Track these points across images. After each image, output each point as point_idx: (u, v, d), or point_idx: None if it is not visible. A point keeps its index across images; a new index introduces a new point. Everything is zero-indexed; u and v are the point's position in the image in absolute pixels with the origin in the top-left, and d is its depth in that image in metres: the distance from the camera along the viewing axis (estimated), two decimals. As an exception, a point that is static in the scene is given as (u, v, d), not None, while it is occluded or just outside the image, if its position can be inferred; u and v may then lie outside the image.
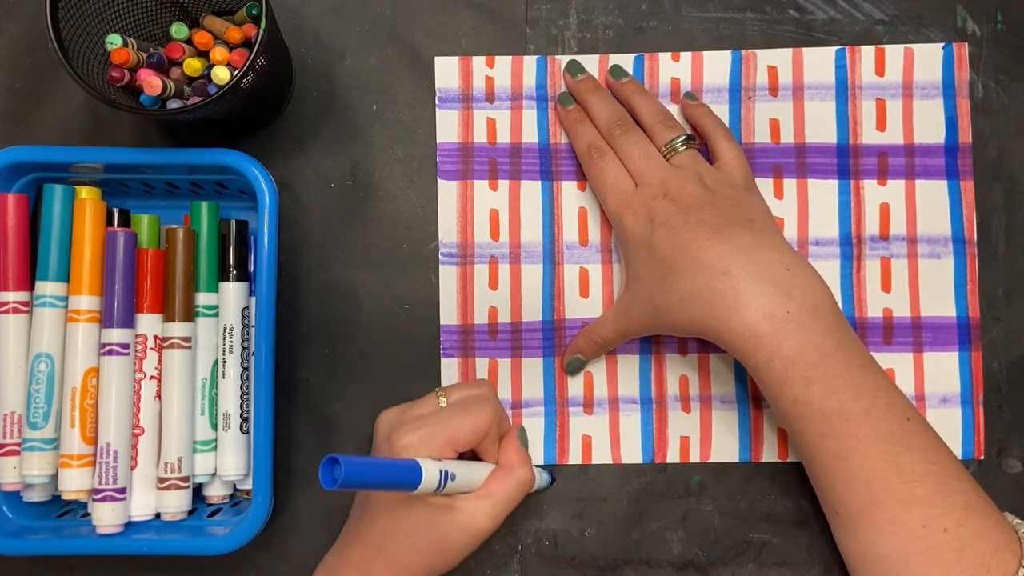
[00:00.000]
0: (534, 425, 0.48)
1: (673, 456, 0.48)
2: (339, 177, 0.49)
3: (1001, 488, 0.48)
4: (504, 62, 0.49)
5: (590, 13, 0.49)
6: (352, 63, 0.49)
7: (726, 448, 0.48)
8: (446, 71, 0.49)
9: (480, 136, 0.49)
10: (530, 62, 0.49)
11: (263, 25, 0.40)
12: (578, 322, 0.48)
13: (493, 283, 0.48)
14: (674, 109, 0.49)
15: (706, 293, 0.40)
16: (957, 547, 0.38)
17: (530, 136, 0.49)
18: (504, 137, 0.49)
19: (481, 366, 0.48)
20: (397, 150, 0.49)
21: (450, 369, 0.48)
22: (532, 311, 0.48)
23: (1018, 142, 0.49)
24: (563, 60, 0.49)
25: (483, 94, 0.49)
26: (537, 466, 0.46)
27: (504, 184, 0.49)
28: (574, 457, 0.48)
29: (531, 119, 0.49)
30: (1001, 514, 0.41)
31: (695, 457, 0.48)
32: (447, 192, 0.49)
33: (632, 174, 0.45)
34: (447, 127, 0.49)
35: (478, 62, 0.49)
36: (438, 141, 0.49)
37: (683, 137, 0.45)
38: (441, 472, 0.39)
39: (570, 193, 0.49)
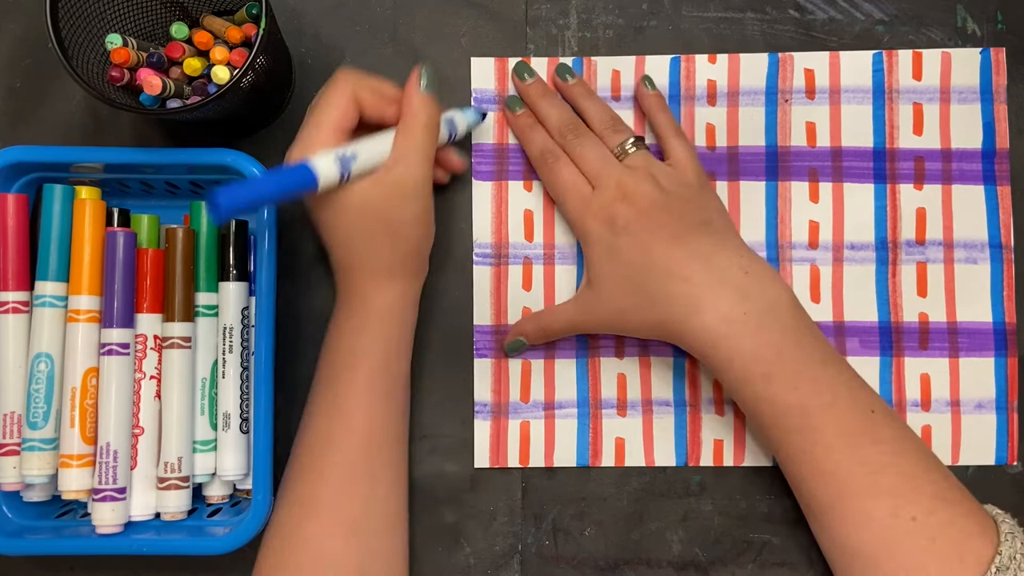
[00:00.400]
0: (567, 426, 0.48)
1: (707, 459, 0.48)
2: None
3: (1001, 488, 0.48)
4: (540, 63, 0.49)
5: (590, 13, 0.49)
6: (352, 63, 0.49)
7: (759, 451, 0.48)
8: (482, 72, 0.49)
9: (515, 138, 0.49)
10: (565, 63, 0.49)
11: (263, 25, 0.40)
12: None
13: (527, 284, 0.48)
14: (710, 111, 0.49)
15: (667, 298, 0.42)
16: (928, 536, 0.39)
17: None
18: None
19: (514, 366, 0.48)
20: (397, 150, 0.49)
21: (483, 369, 0.48)
22: None
23: (1018, 142, 0.49)
24: (598, 60, 0.49)
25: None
26: (458, 108, 0.46)
27: (538, 185, 0.49)
28: (607, 459, 0.48)
29: None
30: (976, 502, 0.41)
31: (728, 460, 0.48)
32: (482, 193, 0.49)
33: (588, 176, 0.45)
34: (482, 128, 0.49)
35: (514, 63, 0.49)
36: (473, 142, 0.49)
37: (632, 139, 0.45)
38: (339, 157, 0.38)
39: None
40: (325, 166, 0.38)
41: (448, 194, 0.49)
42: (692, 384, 0.48)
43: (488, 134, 0.49)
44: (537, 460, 0.48)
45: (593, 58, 0.49)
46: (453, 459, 0.48)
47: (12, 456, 0.42)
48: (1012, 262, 0.48)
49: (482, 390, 0.48)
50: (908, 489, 0.39)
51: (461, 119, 0.45)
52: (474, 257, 0.49)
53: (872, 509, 0.39)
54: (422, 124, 0.42)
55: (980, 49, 0.49)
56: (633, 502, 0.48)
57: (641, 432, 0.48)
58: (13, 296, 0.43)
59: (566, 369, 0.48)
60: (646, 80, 0.48)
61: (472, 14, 0.49)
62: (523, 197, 0.49)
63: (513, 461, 0.48)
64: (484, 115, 0.47)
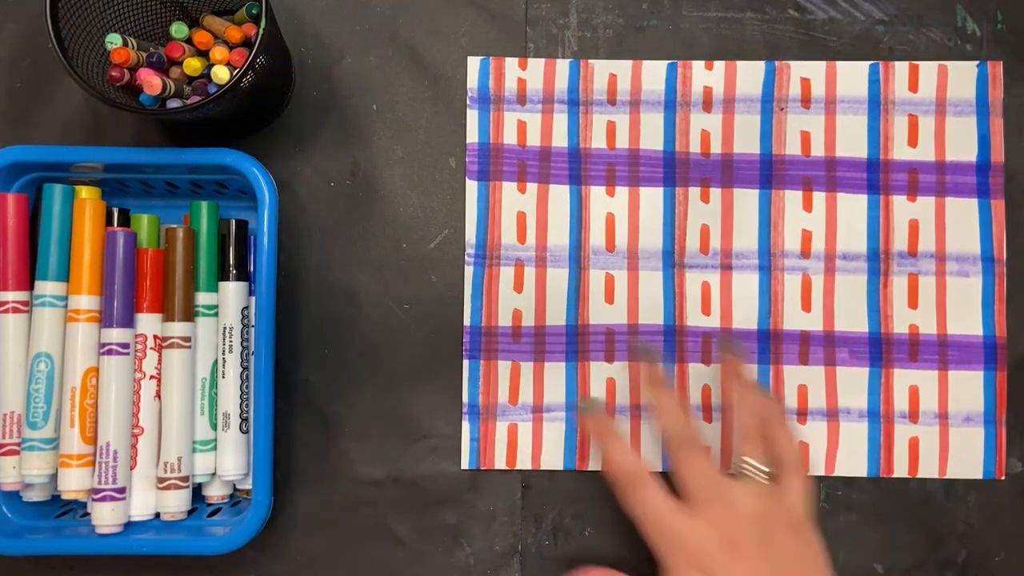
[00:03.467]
0: (555, 429, 0.48)
1: None
2: (339, 177, 0.49)
3: (1001, 488, 0.48)
4: (537, 64, 0.49)
5: (590, 12, 0.49)
6: (352, 63, 0.49)
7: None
8: (479, 71, 0.49)
9: (510, 138, 0.49)
10: (563, 65, 0.49)
11: (263, 25, 0.40)
12: (602, 328, 0.48)
13: (518, 286, 0.48)
14: (706, 117, 0.48)
15: None
16: None
17: (560, 140, 0.49)
18: (534, 140, 0.49)
19: (503, 369, 0.48)
20: (397, 150, 0.49)
21: (472, 370, 0.48)
22: (556, 315, 0.48)
23: (1019, 142, 0.49)
24: (595, 64, 0.49)
25: (515, 96, 0.49)
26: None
27: (532, 187, 0.49)
28: (594, 464, 0.48)
29: (562, 123, 0.49)
30: None
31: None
32: (475, 193, 0.49)
33: (687, 498, 0.41)
34: (477, 127, 0.49)
35: (511, 63, 0.49)
36: (468, 141, 0.49)
37: (771, 470, 0.42)
38: None
39: (598, 198, 0.49)
40: None
41: (441, 192, 0.49)
42: (681, 389, 0.48)
43: (483, 133, 0.49)
44: (524, 463, 0.48)
45: (590, 61, 0.49)
46: (453, 459, 0.48)
47: (12, 456, 0.42)
48: (1004, 276, 0.48)
49: (471, 391, 0.48)
50: None
51: None
52: (465, 257, 0.48)
53: None
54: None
55: (977, 62, 0.49)
56: (633, 502, 0.48)
57: (628, 436, 0.48)
58: (13, 296, 0.43)
59: (555, 372, 0.48)
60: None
61: (472, 14, 0.49)
62: (516, 198, 0.49)
63: (500, 463, 0.47)
64: None
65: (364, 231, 0.49)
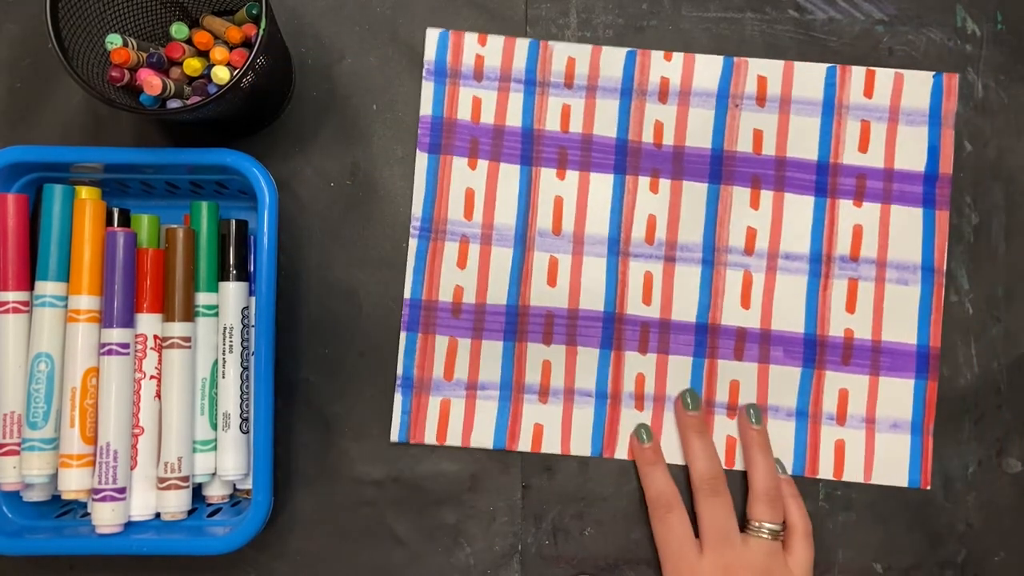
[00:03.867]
0: (487, 408, 0.48)
1: (621, 452, 0.48)
2: (339, 177, 0.49)
3: (1001, 488, 0.48)
4: (496, 41, 0.49)
5: (590, 12, 0.49)
6: (352, 63, 0.49)
7: (674, 449, 0.48)
8: (437, 44, 0.49)
9: (464, 113, 0.49)
10: (522, 45, 0.49)
11: (263, 25, 0.40)
12: (542, 310, 0.48)
13: (461, 262, 0.48)
14: (661, 108, 0.49)
15: None
16: None
17: (514, 119, 0.49)
18: (488, 117, 0.49)
19: (441, 344, 0.48)
20: (397, 150, 0.49)
21: (409, 343, 0.48)
22: (497, 294, 0.48)
23: (1018, 142, 0.49)
24: (554, 46, 0.49)
25: (472, 71, 0.49)
26: None
27: (483, 164, 0.48)
28: (524, 444, 0.48)
29: (517, 102, 0.49)
30: None
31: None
32: (424, 165, 0.48)
33: (702, 536, 0.45)
34: (431, 100, 0.49)
35: (470, 39, 0.49)
36: (421, 113, 0.49)
37: (778, 528, 0.45)
38: None
39: (548, 180, 0.48)
40: None
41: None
42: (615, 377, 0.48)
43: (437, 106, 0.48)
44: (455, 439, 0.48)
45: (550, 43, 0.49)
46: (453, 459, 0.48)
47: (12, 456, 0.42)
48: (943, 286, 0.48)
49: (406, 364, 0.48)
50: None
51: None
52: (411, 230, 0.48)
53: None
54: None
55: (933, 73, 0.49)
56: (633, 502, 0.48)
57: (560, 420, 0.48)
58: (13, 296, 0.43)
59: (492, 351, 0.48)
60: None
61: (472, 14, 0.49)
62: (466, 174, 0.48)
63: (431, 438, 0.47)
64: None
65: (364, 231, 0.49)
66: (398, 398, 0.48)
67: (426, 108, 0.48)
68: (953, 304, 0.49)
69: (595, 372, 0.48)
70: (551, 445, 0.48)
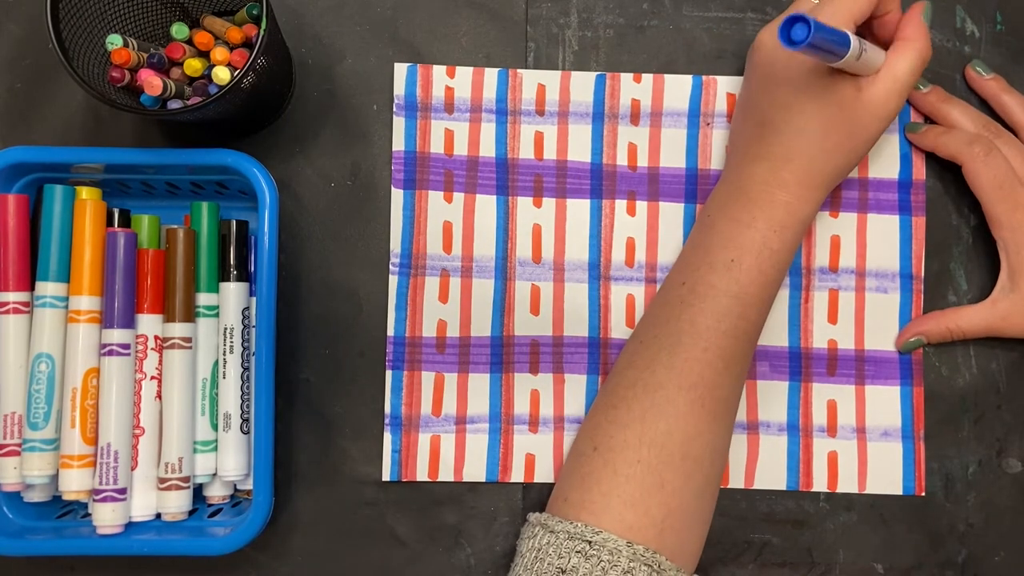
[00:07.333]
0: (478, 441, 0.48)
1: None
2: (339, 177, 0.49)
3: (1001, 488, 0.48)
4: (465, 73, 0.49)
5: (591, 12, 0.49)
6: (352, 63, 0.49)
7: None
8: (406, 78, 0.49)
9: (437, 147, 0.48)
10: (491, 75, 0.49)
11: (263, 25, 0.40)
12: (527, 339, 0.48)
13: (443, 296, 0.48)
14: (633, 130, 0.48)
15: None
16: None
17: (488, 150, 0.49)
18: (461, 149, 0.49)
19: (427, 380, 0.48)
20: (397, 150, 0.49)
21: (395, 381, 0.48)
22: (481, 326, 0.48)
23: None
24: (524, 73, 0.49)
25: (442, 104, 0.49)
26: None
27: (459, 196, 0.48)
28: (516, 475, 0.47)
29: (489, 132, 0.49)
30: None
31: None
32: (400, 202, 0.48)
33: (1018, 171, 0.45)
34: (403, 135, 0.48)
35: (439, 71, 0.49)
36: (394, 149, 0.48)
37: None
38: (860, 42, 0.38)
39: (525, 209, 0.48)
40: (855, 42, 0.38)
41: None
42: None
43: (409, 141, 0.48)
44: (447, 475, 0.47)
45: (519, 71, 0.49)
46: (453, 459, 0.48)
47: (13, 456, 0.42)
48: (921, 293, 0.48)
49: (393, 403, 0.48)
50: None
51: (871, 51, 0.41)
52: (390, 267, 0.48)
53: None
54: (919, 51, 0.42)
55: None
56: (633, 502, 0.48)
57: (551, 449, 0.48)
58: (14, 296, 0.43)
59: (479, 384, 0.48)
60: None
61: (472, 14, 0.49)
62: (443, 208, 0.48)
63: (423, 475, 0.47)
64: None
65: (364, 231, 0.49)
66: (387, 437, 0.47)
67: (398, 143, 0.48)
68: (952, 305, 0.49)
69: (584, 399, 0.48)
70: (544, 474, 0.48)
